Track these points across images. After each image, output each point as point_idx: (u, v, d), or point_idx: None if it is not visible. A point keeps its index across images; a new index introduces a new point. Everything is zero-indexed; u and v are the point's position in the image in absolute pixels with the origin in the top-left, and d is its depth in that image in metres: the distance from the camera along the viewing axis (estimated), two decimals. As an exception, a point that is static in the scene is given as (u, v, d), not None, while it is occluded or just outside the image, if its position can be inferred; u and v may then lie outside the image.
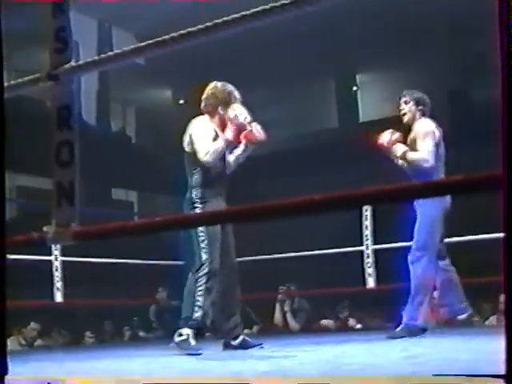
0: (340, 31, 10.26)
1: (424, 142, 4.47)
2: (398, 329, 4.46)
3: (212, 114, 4.19)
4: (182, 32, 1.71)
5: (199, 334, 3.94)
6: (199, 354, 3.79)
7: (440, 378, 2.03)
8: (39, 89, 1.94)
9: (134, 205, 14.08)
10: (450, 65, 11.27)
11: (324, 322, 8.06)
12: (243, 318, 4.46)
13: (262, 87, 12.78)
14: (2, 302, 1.51)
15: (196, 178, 4.10)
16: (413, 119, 4.64)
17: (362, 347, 4.07)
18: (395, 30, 10.43)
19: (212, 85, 4.25)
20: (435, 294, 4.77)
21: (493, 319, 6.83)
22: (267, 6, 1.61)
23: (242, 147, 4.27)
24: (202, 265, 3.96)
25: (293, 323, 8.00)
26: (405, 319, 4.47)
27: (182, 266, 8.80)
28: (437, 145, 4.52)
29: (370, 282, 6.61)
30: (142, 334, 8.52)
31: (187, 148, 4.15)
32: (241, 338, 4.18)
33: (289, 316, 8.05)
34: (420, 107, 4.65)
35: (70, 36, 1.85)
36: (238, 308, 4.27)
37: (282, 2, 1.60)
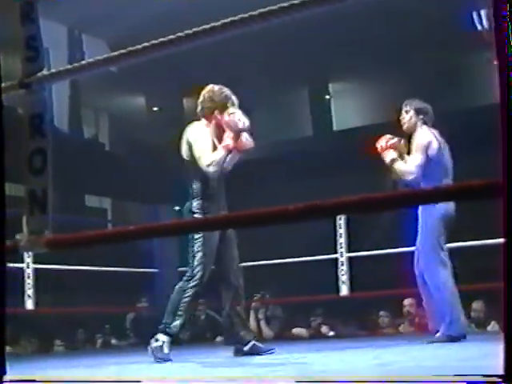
0: (313, 40, 10.30)
1: (415, 155, 4.44)
2: (438, 335, 4.33)
3: (208, 119, 4.08)
4: (155, 42, 1.71)
5: (173, 342, 3.95)
6: (169, 361, 3.83)
7: (436, 376, 2.05)
8: (10, 96, 1.92)
9: (108, 212, 13.99)
10: (422, 75, 11.36)
11: (297, 329, 8.06)
12: (217, 325, 4.43)
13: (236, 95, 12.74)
14: (1, 307, 1.52)
15: (196, 187, 4.04)
16: (413, 128, 4.59)
17: (335, 355, 4.07)
18: (368, 39, 10.49)
19: (208, 88, 4.15)
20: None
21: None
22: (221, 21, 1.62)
23: (232, 155, 4.05)
24: (193, 277, 3.97)
25: (266, 331, 8.00)
26: (442, 328, 4.32)
27: (159, 275, 8.82)
28: (437, 156, 4.45)
29: (344, 290, 6.63)
30: (114, 341, 8.47)
31: (186, 156, 4.06)
32: (251, 343, 4.12)
33: (262, 323, 8.05)
34: (421, 116, 4.61)
35: (41, 44, 1.83)
36: (245, 315, 4.30)
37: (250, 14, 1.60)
